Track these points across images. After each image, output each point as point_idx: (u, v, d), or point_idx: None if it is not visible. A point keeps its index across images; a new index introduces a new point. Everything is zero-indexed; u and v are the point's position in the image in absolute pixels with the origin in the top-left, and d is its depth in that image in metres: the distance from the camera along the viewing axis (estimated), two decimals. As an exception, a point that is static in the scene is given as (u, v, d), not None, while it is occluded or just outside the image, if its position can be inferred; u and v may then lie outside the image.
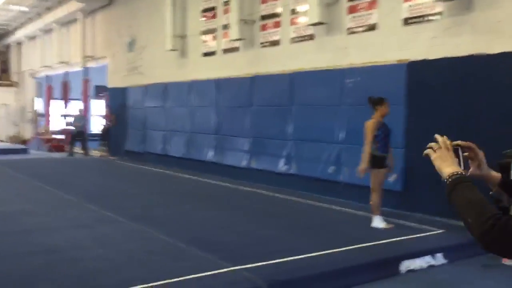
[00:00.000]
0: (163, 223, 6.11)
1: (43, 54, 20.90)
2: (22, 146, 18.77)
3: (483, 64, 6.25)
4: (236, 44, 10.45)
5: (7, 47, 25.06)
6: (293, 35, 9.12)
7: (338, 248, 4.99)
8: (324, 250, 4.89)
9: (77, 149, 16.32)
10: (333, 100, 8.24)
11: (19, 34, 22.68)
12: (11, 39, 23.84)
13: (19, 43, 23.84)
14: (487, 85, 6.21)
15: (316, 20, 8.28)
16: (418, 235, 5.73)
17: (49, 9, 18.74)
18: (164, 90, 12.94)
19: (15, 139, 22.07)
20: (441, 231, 5.94)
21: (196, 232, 5.65)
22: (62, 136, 18.74)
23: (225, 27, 10.73)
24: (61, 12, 18.09)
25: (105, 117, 15.67)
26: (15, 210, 6.71)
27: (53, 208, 6.94)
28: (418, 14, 7.04)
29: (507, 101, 6.01)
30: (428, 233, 5.85)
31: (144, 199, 8.00)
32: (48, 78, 21.24)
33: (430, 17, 6.89)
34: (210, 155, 11.22)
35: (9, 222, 5.99)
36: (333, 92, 8.25)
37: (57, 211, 6.76)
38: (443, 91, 6.68)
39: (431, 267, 4.96)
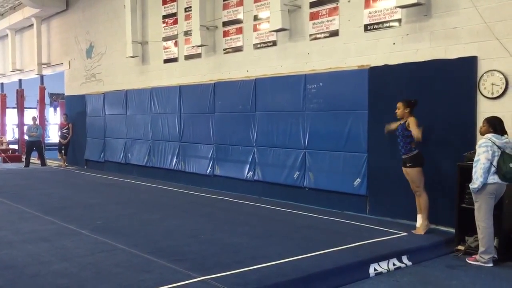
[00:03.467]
0: (127, 234, 5.95)
1: (-3, 61, 20.15)
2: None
3: (441, 69, 6.43)
4: (198, 50, 10.38)
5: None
6: (256, 41, 9.13)
7: (305, 254, 4.98)
8: (291, 257, 4.87)
9: (34, 160, 15.76)
10: (296, 106, 8.29)
11: (2, 26, 21.78)
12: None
13: (3, 37, 22.91)
14: (445, 89, 6.38)
15: (278, 26, 8.32)
16: (383, 238, 5.80)
17: (2, 15, 18.12)
18: (124, 97, 12.70)
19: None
20: (405, 233, 6.03)
21: (161, 242, 5.52)
22: (17, 146, 18.08)
23: (187, 33, 10.65)
24: (15, 18, 17.52)
25: (61, 125, 15.21)
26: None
27: (10, 222, 6.64)
28: (378, 21, 7.18)
29: (463, 105, 6.20)
30: (392, 236, 5.92)
31: (106, 209, 7.78)
32: (1, 86, 20.48)
33: (390, 24, 7.04)
34: (173, 162, 11.06)
35: (-38, 238, 5.69)
36: (296, 97, 8.29)
37: (14, 224, 6.47)
38: (404, 96, 6.81)
39: (397, 269, 5.02)
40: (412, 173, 6.02)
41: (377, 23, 7.19)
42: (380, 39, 7.18)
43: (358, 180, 7.36)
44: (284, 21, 8.28)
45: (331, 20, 7.84)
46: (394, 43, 6.99)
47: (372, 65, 7.23)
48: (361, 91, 7.34)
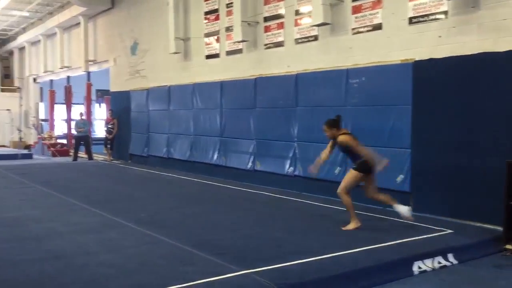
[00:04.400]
0: (170, 226, 6.08)
1: (46, 59, 20.93)
2: (26, 151, 18.78)
3: (489, 63, 6.21)
4: (240, 46, 10.42)
5: (10, 52, 25.10)
6: (297, 36, 9.09)
7: (346, 250, 4.95)
8: (332, 253, 4.84)
9: (81, 154, 16.31)
10: (338, 101, 8.20)
11: (21, 40, 22.72)
12: (13, 44, 23.89)
13: (21, 48, 23.88)
14: (494, 84, 6.17)
15: (320, 21, 8.25)
16: (427, 236, 5.68)
17: (51, 13, 18.78)
18: (167, 93, 12.93)
19: (19, 144, 22.07)
20: (450, 231, 5.88)
21: (203, 236, 5.61)
22: (65, 141, 18.74)
23: (228, 29, 10.71)
24: (63, 16, 18.12)
25: (107, 121, 15.67)
26: (22, 216, 6.68)
27: (60, 214, 6.91)
28: (423, 13, 7.00)
29: (515, 100, 5.97)
30: (437, 234, 5.79)
31: (150, 202, 7.97)
32: (50, 83, 21.27)
33: (436, 16, 6.85)
34: (214, 157, 11.19)
35: (17, 228, 5.96)
36: (338, 92, 8.21)
37: (63, 216, 6.73)
38: (450, 90, 6.64)
39: (443, 267, 4.91)
40: (351, 174, 6.02)
41: (422, 16, 7.02)
42: (425, 32, 7.00)
43: (401, 176, 7.23)
44: (326, 16, 8.20)
45: (374, 14, 7.71)
46: (440, 36, 6.80)
47: (417, 58, 7.06)
48: (404, 85, 7.19)
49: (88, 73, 17.82)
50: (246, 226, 6.18)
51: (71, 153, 16.85)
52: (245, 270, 4.22)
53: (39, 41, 21.44)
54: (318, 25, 8.46)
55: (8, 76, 25.04)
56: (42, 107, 22.91)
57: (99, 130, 18.56)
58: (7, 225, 6.11)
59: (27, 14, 18.88)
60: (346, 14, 8.14)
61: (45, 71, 20.97)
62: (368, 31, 7.82)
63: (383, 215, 6.89)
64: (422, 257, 4.87)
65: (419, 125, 6.99)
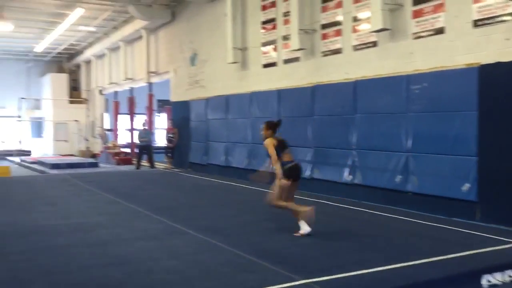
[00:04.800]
0: (230, 234, 6.15)
1: (111, 71, 21.88)
2: (92, 160, 19.64)
3: None
4: (297, 54, 10.44)
5: (77, 66, 26.43)
6: (355, 42, 8.99)
7: (409, 261, 4.80)
8: (395, 264, 4.72)
9: (144, 162, 16.86)
10: (398, 107, 8.02)
11: (88, 53, 23.87)
12: (81, 58, 25.14)
13: (88, 62, 25.09)
14: None
15: (379, 27, 8.12)
16: (497, 247, 5.41)
17: (115, 28, 19.62)
18: (225, 102, 13.14)
19: (86, 153, 23.16)
20: (522, 243, 5.58)
21: (263, 244, 5.63)
22: (129, 150, 19.45)
23: (285, 37, 10.76)
24: (127, 30, 18.89)
25: (168, 130, 16.14)
26: (89, 222, 6.98)
27: (124, 220, 7.17)
28: (489, 16, 6.73)
29: None
30: (508, 246, 5.50)
31: (209, 210, 8.10)
32: (115, 94, 22.19)
33: (503, 18, 6.56)
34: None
35: (85, 233, 6.24)
36: (398, 99, 8.03)
37: (128, 222, 6.98)
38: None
39: (514, 282, 4.66)
40: (281, 184, 5.94)
41: (488, 18, 6.74)
42: (491, 35, 6.72)
43: (467, 185, 6.94)
44: (385, 21, 8.07)
45: (436, 17, 7.49)
46: (507, 39, 6.50)
47: (483, 63, 6.78)
48: (469, 91, 6.93)
49: (150, 84, 18.44)
50: (304, 236, 6.13)
51: (134, 162, 17.47)
52: (306, 279, 4.20)
53: (104, 54, 22.47)
54: (377, 31, 8.33)
55: (76, 88, 26.37)
56: (107, 117, 23.93)
57: (160, 139, 19.12)
58: (75, 231, 6.41)
59: (93, 29, 19.85)
60: (406, 19, 7.96)
61: (110, 83, 21.92)
62: (429, 35, 7.61)
63: (448, 225, 6.64)
64: (492, 270, 4.63)
65: (486, 132, 6.70)
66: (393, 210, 7.75)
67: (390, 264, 4.68)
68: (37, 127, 26.32)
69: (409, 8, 7.90)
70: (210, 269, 4.59)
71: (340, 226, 6.77)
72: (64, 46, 23.41)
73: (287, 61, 10.88)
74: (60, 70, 26.51)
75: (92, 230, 6.46)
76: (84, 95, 25.78)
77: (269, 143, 6.05)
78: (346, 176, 9.06)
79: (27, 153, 24.22)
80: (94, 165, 17.95)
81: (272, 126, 6.22)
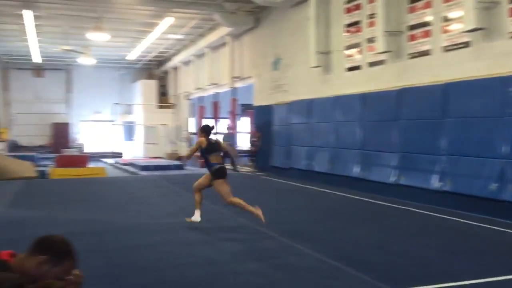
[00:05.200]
0: (313, 239, 6.12)
1: (196, 77, 22.67)
2: (178, 163, 20.42)
3: None
4: (382, 56, 10.19)
5: (166, 72, 27.66)
6: (446, 43, 8.60)
7: (506, 275, 4.50)
8: (489, 277, 4.45)
9: (227, 165, 17.23)
10: (494, 111, 7.56)
11: (176, 60, 24.91)
12: (169, 65, 26.29)
13: (175, 68, 26.17)
14: None
15: (472, 26, 7.71)
16: None
17: (201, 35, 20.30)
18: (308, 106, 13.11)
19: (172, 156, 24.15)
20: None
21: (347, 250, 5.55)
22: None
23: (370, 40, 10.54)
24: (212, 37, 19.48)
25: (251, 134, 16.39)
26: (177, 222, 7.27)
27: (210, 221, 7.38)
28: None
29: None
30: None
31: (292, 214, 8.12)
32: (200, 99, 22.94)
33: None
34: (355, 170, 11.03)
35: (173, 233, 6.51)
36: (493, 102, 7.56)
37: (214, 224, 7.18)
38: None
39: None
40: (216, 185, 6.82)
41: None
42: None
43: None
44: (479, 20, 7.65)
45: (537, 14, 6.98)
46: None
47: None
48: None
49: (234, 89, 18.86)
50: (390, 243, 5.97)
51: (217, 165, 17.91)
52: (393, 289, 4.08)
53: (190, 61, 23.33)
54: (470, 31, 7.92)
55: (164, 94, 27.61)
56: (192, 121, 24.80)
57: (243, 143, 19.47)
58: (165, 230, 6.71)
59: (181, 37, 20.69)
60: (503, 17, 7.49)
61: (196, 88, 22.72)
62: (529, 34, 7.10)
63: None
64: None
65: None
66: (487, 219, 7.30)
67: (484, 277, 4.42)
68: (129, 130, 27.88)
69: (506, 5, 7.43)
70: (295, 274, 4.61)
71: (428, 234, 6.49)
72: (153, 54, 24.61)
73: (372, 64, 10.65)
74: (150, 76, 27.89)
75: (179, 230, 6.72)
76: (171, 100, 26.92)
77: (198, 142, 6.97)
78: (435, 182, 8.68)
79: (119, 155, 25.73)
80: (180, 167, 18.66)
81: (206, 130, 7.04)
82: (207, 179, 6.98)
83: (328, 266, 4.87)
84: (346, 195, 10.32)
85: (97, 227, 6.96)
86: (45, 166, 17.31)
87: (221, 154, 7.20)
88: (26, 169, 14.85)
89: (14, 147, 24.01)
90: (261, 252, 5.49)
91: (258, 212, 6.69)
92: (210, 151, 6.87)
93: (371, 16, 10.50)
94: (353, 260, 5.04)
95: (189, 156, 7.32)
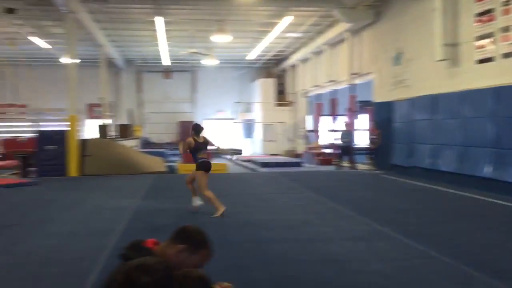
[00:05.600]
0: (439, 242, 5.81)
1: (314, 74, 22.69)
2: (296, 160, 20.65)
3: None
4: (519, 47, 9.31)
5: (284, 71, 28.08)
6: None
7: None
8: None
9: (345, 163, 17.04)
10: None
11: (294, 58, 25.17)
12: (287, 63, 26.65)
13: (293, 66, 26.45)
14: None
15: None
16: None
17: (320, 32, 20.26)
18: (433, 102, 12.44)
19: (290, 153, 24.47)
20: None
21: (478, 255, 5.19)
22: (330, 150, 19.89)
23: (505, 29, 9.69)
24: (330, 34, 19.34)
25: (370, 131, 16.00)
26: (297, 219, 7.37)
27: (329, 219, 7.37)
28: None
29: None
30: None
31: (415, 215, 7.77)
32: (317, 96, 22.93)
33: None
34: (486, 170, 10.22)
35: (294, 230, 6.61)
36: None
37: (333, 222, 7.16)
38: None
39: None
40: (197, 175, 7.91)
41: None
42: None
43: None
44: None
45: None
46: None
47: None
48: None
49: (352, 86, 18.55)
50: (531, 251, 5.45)
51: (335, 162, 17.79)
52: (534, 300, 3.73)
53: (308, 58, 23.41)
54: None
55: (282, 92, 28.05)
56: (309, 119, 24.88)
57: (361, 140, 19.09)
58: (285, 226, 6.83)
59: (299, 35, 20.85)
60: None
61: (313, 86, 22.75)
62: None
63: None
64: None
65: None
66: None
67: None
68: (248, 128, 28.80)
69: None
70: (422, 277, 4.42)
71: None
72: (272, 53, 25.12)
73: (507, 55, 9.78)
74: (268, 75, 28.51)
75: (300, 226, 6.80)
76: (289, 98, 27.26)
77: (186, 142, 8.00)
78: None
79: (239, 152, 26.71)
80: (298, 164, 18.84)
81: (195, 129, 8.10)
82: (203, 175, 7.95)
83: (458, 271, 4.60)
84: (475, 196, 9.62)
85: (220, 220, 7.30)
86: (173, 161, 18.59)
87: (207, 151, 8.29)
88: (157, 164, 16.07)
89: (146, 143, 26.11)
90: (384, 252, 5.35)
91: (222, 209, 7.61)
92: (197, 149, 7.94)
93: (506, 3, 9.64)
94: (486, 266, 4.70)
95: (183, 152, 8.52)
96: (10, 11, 14.16)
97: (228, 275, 4.38)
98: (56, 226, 7.07)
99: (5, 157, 20.37)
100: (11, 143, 21.00)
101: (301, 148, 24.05)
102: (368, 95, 17.43)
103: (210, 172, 8.09)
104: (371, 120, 16.94)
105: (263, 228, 6.71)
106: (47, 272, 4.78)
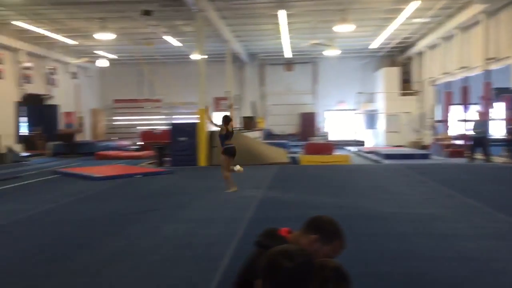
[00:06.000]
0: None
1: (443, 61, 21.34)
2: (423, 151, 19.65)
3: None
4: None
5: (409, 59, 26.83)
6: None
7: None
8: None
9: (478, 155, 15.84)
10: None
11: (420, 45, 23.92)
12: (413, 50, 25.41)
13: (419, 54, 25.15)
14: None
15: None
16: None
17: (450, 16, 18.99)
18: None
19: (416, 144, 23.37)
20: None
21: None
22: (461, 142, 18.62)
23: None
24: (462, 17, 18.03)
25: (507, 121, 14.63)
26: (426, 213, 7.05)
27: (463, 215, 6.93)
28: None
29: None
30: None
31: None
32: (446, 84, 21.54)
33: None
34: None
35: (423, 224, 6.33)
36: None
37: (466, 218, 6.72)
38: None
39: None
40: (222, 158, 9.54)
41: None
42: None
43: None
44: None
45: None
46: None
47: None
48: None
49: (487, 72, 17.11)
50: None
51: (467, 155, 16.62)
52: None
53: (436, 44, 22.07)
54: None
55: (407, 81, 26.82)
56: (437, 109, 23.51)
57: (497, 131, 17.55)
58: (413, 220, 6.57)
59: (427, 20, 19.72)
60: None
61: (442, 73, 21.40)
62: None
63: None
64: None
65: None
66: None
67: None
68: (371, 119, 28.05)
69: None
70: None
71: None
72: (396, 41, 24.11)
73: None
74: (392, 64, 27.43)
75: (429, 221, 6.50)
76: (415, 87, 26.00)
77: (220, 128, 9.59)
78: None
79: (361, 143, 26.18)
80: (426, 156, 17.93)
81: (225, 120, 9.48)
82: (226, 159, 9.45)
83: None
84: None
85: (345, 211, 7.25)
86: (295, 153, 18.83)
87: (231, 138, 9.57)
88: (280, 155, 16.40)
89: (269, 135, 26.76)
90: (527, 253, 4.91)
91: (233, 189, 9.38)
92: (226, 136, 9.44)
93: None
94: None
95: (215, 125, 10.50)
96: (147, 13, 15.38)
97: (355, 269, 4.36)
98: (190, 212, 7.59)
99: (142, 147, 22.36)
100: (148, 135, 22.96)
101: (428, 139, 22.84)
102: (505, 81, 15.95)
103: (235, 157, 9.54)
104: (508, 108, 15.50)
105: (390, 222, 6.53)
106: (183, 255, 5.16)
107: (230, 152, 9.46)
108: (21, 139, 21.14)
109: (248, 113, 25.92)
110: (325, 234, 2.40)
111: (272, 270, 1.78)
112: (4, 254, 5.39)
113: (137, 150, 22.87)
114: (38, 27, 19.24)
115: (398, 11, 17.90)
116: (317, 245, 2.37)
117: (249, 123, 22.11)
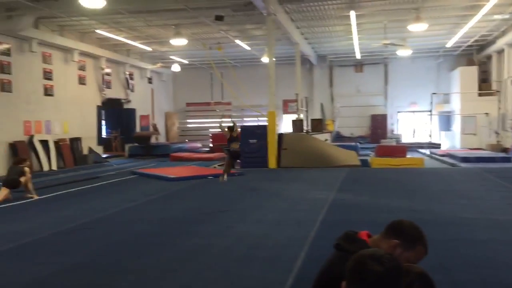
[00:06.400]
0: None
1: (526, 59, 20.09)
2: (503, 155, 18.60)
3: None
4: None
5: (488, 57, 25.50)
6: None
7: None
8: None
9: None
10: None
11: (501, 43, 22.65)
12: (492, 48, 24.10)
13: (499, 52, 23.83)
14: None
15: None
16: None
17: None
18: None
19: (495, 147, 22.14)
20: None
21: None
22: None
23: None
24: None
25: None
26: (508, 220, 6.70)
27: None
28: None
29: None
30: None
31: None
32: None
33: None
34: None
35: (504, 232, 6.03)
36: None
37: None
38: None
39: None
40: (226, 157, 12.89)
41: None
42: None
43: None
44: None
45: None
46: None
47: None
48: None
49: None
50: None
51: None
52: None
53: (518, 41, 20.84)
54: None
55: (485, 80, 25.48)
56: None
57: None
58: (494, 227, 6.27)
59: (507, 16, 18.66)
60: None
61: (525, 72, 20.14)
62: None
63: None
64: None
65: None
66: None
67: None
68: (446, 120, 26.92)
69: None
70: None
71: None
72: (474, 38, 23.00)
73: None
74: (470, 63, 26.15)
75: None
76: (494, 86, 24.63)
77: (224, 132, 13.15)
78: None
79: (436, 146, 25.18)
80: (507, 160, 16.96)
81: (229, 128, 12.77)
82: (230, 161, 12.62)
83: None
84: None
85: (420, 216, 6.99)
86: (366, 155, 18.48)
87: (239, 143, 13.02)
88: (351, 157, 16.17)
89: (338, 137, 26.44)
90: None
91: (224, 179, 11.92)
92: (231, 140, 12.58)
93: None
94: None
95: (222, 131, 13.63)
96: (220, 18, 15.74)
97: (433, 276, 4.24)
98: (262, 214, 7.70)
99: (213, 150, 22.87)
100: (218, 137, 23.45)
101: (509, 141, 21.57)
102: None
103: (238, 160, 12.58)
104: None
105: (469, 228, 6.27)
106: (256, 255, 5.25)
107: (233, 155, 12.79)
108: (101, 141, 22.35)
109: (317, 116, 25.76)
110: (407, 239, 2.35)
111: (361, 273, 1.78)
112: (87, 250, 5.74)
113: (208, 152, 23.45)
114: (117, 35, 20.27)
115: (476, 8, 17.09)
116: (398, 251, 2.32)
117: (318, 125, 21.97)
